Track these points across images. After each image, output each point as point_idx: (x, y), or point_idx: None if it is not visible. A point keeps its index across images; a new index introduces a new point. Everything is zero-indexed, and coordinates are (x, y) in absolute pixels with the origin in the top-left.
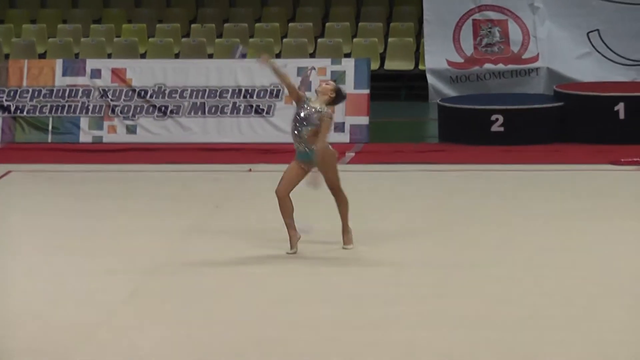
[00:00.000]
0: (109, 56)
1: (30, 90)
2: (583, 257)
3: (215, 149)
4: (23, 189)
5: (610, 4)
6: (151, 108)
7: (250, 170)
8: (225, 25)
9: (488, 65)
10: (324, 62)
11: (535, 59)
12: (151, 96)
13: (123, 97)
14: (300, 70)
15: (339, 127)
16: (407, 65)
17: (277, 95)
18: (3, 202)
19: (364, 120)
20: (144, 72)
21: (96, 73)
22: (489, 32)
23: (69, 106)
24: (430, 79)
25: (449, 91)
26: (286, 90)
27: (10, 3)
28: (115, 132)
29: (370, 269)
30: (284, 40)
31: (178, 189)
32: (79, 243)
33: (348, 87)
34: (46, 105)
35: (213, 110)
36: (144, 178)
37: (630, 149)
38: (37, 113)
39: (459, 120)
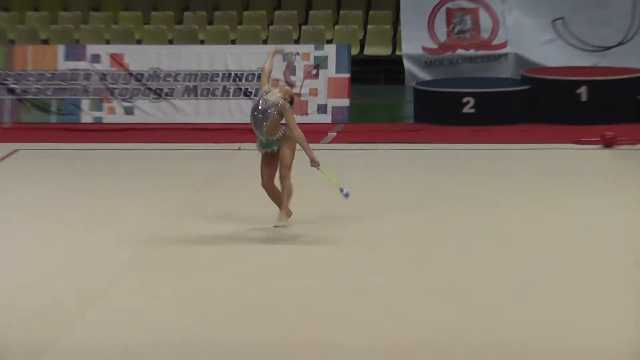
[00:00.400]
0: (108, 42)
1: (35, 74)
2: (547, 228)
3: (207, 129)
4: (28, 166)
5: None
6: (147, 91)
7: (239, 149)
8: (216, 12)
9: (460, 51)
10: (308, 48)
11: (504, 45)
12: (147, 79)
13: (121, 80)
14: (285, 56)
15: (322, 109)
16: (385, 50)
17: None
18: (9, 178)
19: (344, 102)
20: (140, 57)
21: (96, 58)
22: (461, 20)
23: (71, 89)
24: (407, 63)
25: (424, 75)
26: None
27: None
28: (114, 113)
29: (350, 242)
30: (270, 27)
31: (172, 166)
32: (80, 217)
33: (330, 71)
34: (49, 88)
35: (204, 93)
36: (141, 156)
37: (591, 129)
38: (41, 95)
39: (433, 102)
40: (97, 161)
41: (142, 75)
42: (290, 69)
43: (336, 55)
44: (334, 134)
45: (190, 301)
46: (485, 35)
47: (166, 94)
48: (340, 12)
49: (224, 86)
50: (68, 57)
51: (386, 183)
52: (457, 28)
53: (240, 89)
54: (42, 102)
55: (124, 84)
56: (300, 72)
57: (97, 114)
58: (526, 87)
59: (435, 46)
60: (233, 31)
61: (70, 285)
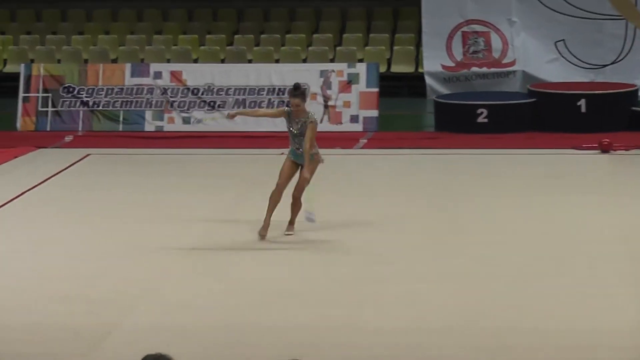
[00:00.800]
0: (168, 61)
1: (105, 88)
2: (551, 223)
3: (254, 136)
4: (100, 168)
5: (573, 19)
6: (202, 103)
7: (282, 153)
8: (262, 35)
9: (474, 69)
10: (342, 66)
11: (512, 63)
12: (202, 93)
13: (180, 94)
14: (322, 73)
15: (354, 119)
16: (408, 68)
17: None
18: (83, 179)
19: (374, 113)
20: (197, 74)
21: (158, 75)
22: (475, 41)
23: (136, 101)
24: (428, 79)
25: (443, 89)
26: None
27: (88, 17)
28: (174, 123)
29: (376, 235)
30: (309, 48)
31: (225, 168)
32: (143, 213)
33: (361, 86)
34: (118, 101)
35: (252, 105)
36: (197, 159)
37: (590, 136)
38: (110, 107)
39: (451, 113)
40: (158, 164)
41: (198, 89)
42: (326, 84)
43: (366, 72)
44: (365, 140)
45: (236, 288)
46: (496, 55)
47: (219, 106)
48: (370, 35)
49: (269, 99)
50: (134, 74)
51: (410, 183)
52: (472, 49)
53: (283, 101)
54: (111, 113)
55: (182, 97)
56: (335, 87)
57: (159, 123)
58: (532, 100)
59: (452, 64)
60: (277, 51)
61: (133, 274)
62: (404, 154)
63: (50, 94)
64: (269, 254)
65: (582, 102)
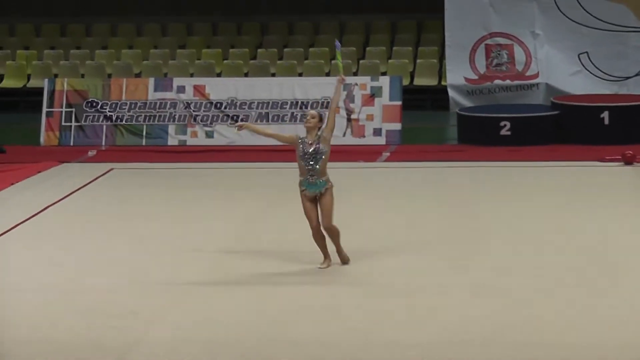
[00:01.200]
0: (192, 75)
1: (128, 103)
2: (574, 235)
3: (277, 150)
4: (123, 182)
5: (596, 31)
6: (225, 117)
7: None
8: (285, 49)
9: (497, 81)
10: (365, 79)
11: (536, 76)
12: (225, 107)
13: (203, 108)
14: (346, 86)
15: (377, 132)
16: (432, 81)
17: (327, 106)
18: (107, 193)
19: (397, 126)
20: (220, 88)
21: (181, 89)
22: (498, 54)
23: (159, 115)
24: (451, 92)
25: (466, 102)
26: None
27: (112, 32)
28: (197, 137)
29: (399, 247)
30: (332, 61)
31: (248, 181)
32: (167, 226)
33: (384, 99)
34: (141, 115)
35: (275, 119)
36: (221, 173)
37: (613, 149)
38: (134, 121)
39: (474, 125)
40: (181, 178)
41: (221, 103)
42: (349, 97)
43: (390, 86)
44: (388, 153)
45: (257, 302)
46: (519, 67)
47: (242, 120)
48: (394, 48)
49: (292, 113)
50: (157, 88)
51: (432, 195)
52: (495, 61)
53: (306, 115)
54: (135, 127)
55: (205, 111)
56: (358, 100)
57: (182, 137)
58: (555, 112)
59: (475, 77)
60: (300, 65)
61: (155, 288)
62: (426, 167)
63: (73, 109)
64: (293, 266)
65: (605, 114)
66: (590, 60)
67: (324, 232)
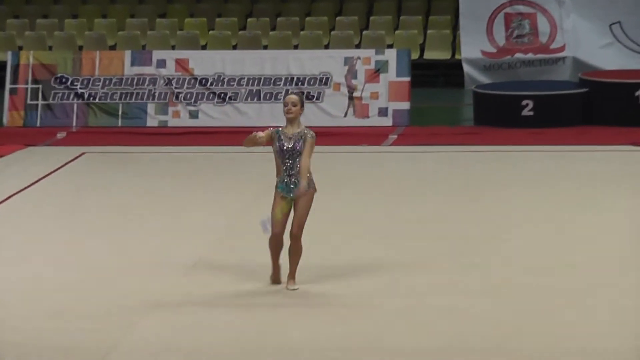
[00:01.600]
0: (173, 48)
1: (102, 79)
2: (605, 229)
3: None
4: (96, 168)
5: None
6: (211, 95)
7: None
8: (278, 19)
9: (519, 55)
10: (369, 53)
11: (562, 49)
12: (211, 84)
13: (186, 85)
14: (347, 60)
15: (383, 112)
16: (444, 55)
17: (325, 83)
18: (77, 181)
19: (405, 105)
20: (205, 62)
21: (161, 63)
22: (520, 24)
23: (137, 93)
24: (466, 67)
25: (483, 79)
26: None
27: None
28: (179, 117)
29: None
30: (332, 32)
31: (236, 168)
32: (145, 218)
33: (390, 75)
34: (116, 93)
35: (267, 97)
36: (206, 158)
37: None
38: (108, 100)
39: (493, 105)
40: (162, 163)
41: (206, 79)
42: (351, 73)
43: (397, 60)
44: (395, 136)
45: (251, 305)
46: (543, 39)
47: (230, 98)
48: (401, 17)
49: (287, 90)
50: (134, 62)
51: (445, 183)
52: (516, 32)
53: (303, 92)
54: (109, 107)
55: (188, 88)
56: (361, 76)
57: (163, 117)
58: (584, 89)
59: (494, 50)
60: (295, 37)
61: (134, 286)
62: (438, 152)
63: (40, 85)
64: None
65: None
66: (623, 31)
67: (291, 240)
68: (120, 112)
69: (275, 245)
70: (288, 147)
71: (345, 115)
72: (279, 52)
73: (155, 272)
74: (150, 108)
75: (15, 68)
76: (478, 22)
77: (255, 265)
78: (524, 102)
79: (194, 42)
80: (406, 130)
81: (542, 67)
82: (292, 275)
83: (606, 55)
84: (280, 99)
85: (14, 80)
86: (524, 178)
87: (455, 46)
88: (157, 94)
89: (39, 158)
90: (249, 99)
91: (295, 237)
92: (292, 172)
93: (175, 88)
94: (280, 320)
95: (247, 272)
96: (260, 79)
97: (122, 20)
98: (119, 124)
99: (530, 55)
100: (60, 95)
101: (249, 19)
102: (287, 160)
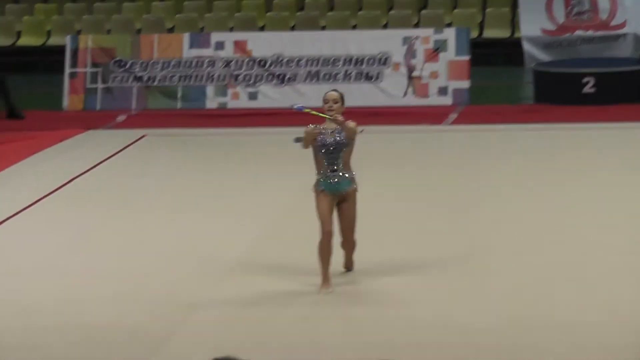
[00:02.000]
0: (231, 29)
1: (161, 61)
2: None
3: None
4: (156, 151)
5: None
6: (270, 76)
7: (362, 130)
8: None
9: (579, 32)
10: (428, 32)
11: (622, 25)
12: (270, 65)
13: (244, 66)
14: (406, 40)
15: (442, 91)
16: (503, 33)
17: (384, 63)
18: (138, 164)
19: (465, 84)
20: (263, 44)
21: (220, 45)
22: (579, 1)
23: (196, 75)
24: (526, 45)
25: (543, 56)
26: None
27: None
28: (238, 99)
29: (466, 219)
30: (390, 12)
31: (295, 148)
32: (206, 199)
33: (450, 54)
34: (175, 75)
35: (326, 78)
36: (265, 139)
37: None
38: (167, 82)
39: (553, 83)
40: (221, 145)
41: (265, 61)
42: (410, 53)
43: (456, 39)
44: (455, 115)
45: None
46: (603, 16)
47: (289, 79)
48: None
49: (346, 70)
50: (193, 44)
51: (505, 162)
52: (575, 9)
53: (361, 73)
54: (168, 89)
55: (247, 70)
56: (420, 56)
57: (222, 99)
58: None
59: (553, 28)
60: (353, 17)
61: (196, 268)
62: (498, 130)
63: (99, 69)
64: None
65: None
66: None
67: (343, 244)
68: (179, 95)
69: (327, 249)
70: (331, 142)
71: (405, 94)
72: (337, 33)
73: (215, 253)
74: (209, 90)
75: (75, 52)
76: (537, 0)
77: (307, 251)
78: (585, 80)
79: (252, 23)
80: (466, 109)
81: (603, 44)
82: (349, 262)
83: None
84: (339, 80)
85: (74, 64)
86: (584, 156)
87: (514, 24)
88: (215, 76)
89: (100, 141)
90: (307, 80)
91: (352, 241)
92: (336, 167)
93: (234, 70)
94: (351, 295)
95: (298, 256)
96: (319, 60)
97: (179, 2)
98: (178, 106)
99: (590, 33)
100: (119, 78)
101: (306, 0)
102: (330, 155)
